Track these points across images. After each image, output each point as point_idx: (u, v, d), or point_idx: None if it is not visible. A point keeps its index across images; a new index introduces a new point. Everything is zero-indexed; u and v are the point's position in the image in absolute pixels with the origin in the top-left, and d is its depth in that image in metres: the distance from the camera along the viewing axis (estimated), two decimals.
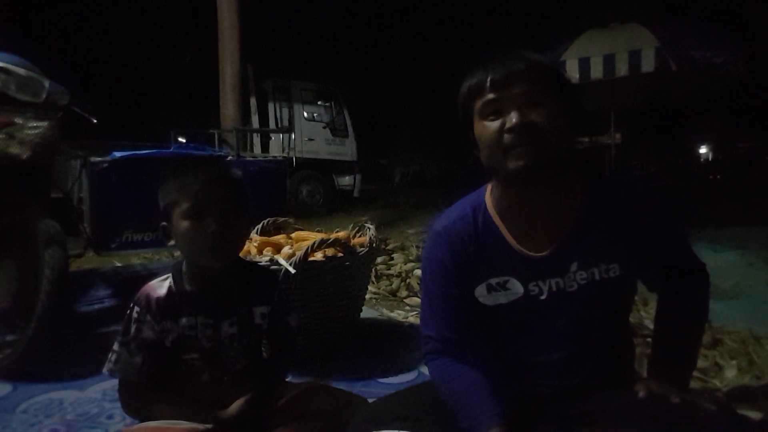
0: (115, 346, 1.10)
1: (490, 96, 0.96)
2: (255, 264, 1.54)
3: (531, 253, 1.04)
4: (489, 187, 1.10)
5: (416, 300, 2.89)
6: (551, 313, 1.04)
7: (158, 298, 1.10)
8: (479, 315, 1.08)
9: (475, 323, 1.09)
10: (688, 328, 1.09)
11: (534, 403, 1.06)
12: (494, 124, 0.96)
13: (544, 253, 1.03)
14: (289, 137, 7.89)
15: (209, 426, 1.04)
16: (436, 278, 1.10)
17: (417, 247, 3.85)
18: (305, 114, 9.01)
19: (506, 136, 0.94)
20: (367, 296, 2.59)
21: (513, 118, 0.93)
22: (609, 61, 4.93)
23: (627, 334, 1.16)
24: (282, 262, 1.88)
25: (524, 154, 0.93)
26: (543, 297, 1.03)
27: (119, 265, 4.00)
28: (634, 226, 1.02)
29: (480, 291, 1.07)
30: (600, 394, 1.00)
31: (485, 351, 1.09)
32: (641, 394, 0.95)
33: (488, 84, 0.96)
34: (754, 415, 1.42)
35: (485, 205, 1.08)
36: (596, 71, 4.99)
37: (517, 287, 1.04)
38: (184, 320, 1.10)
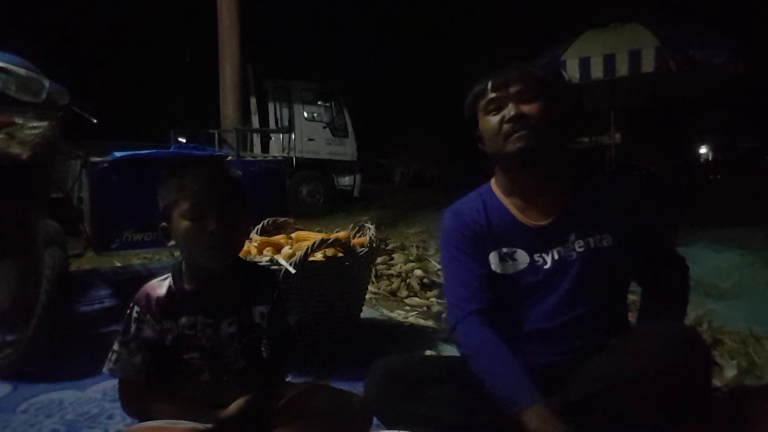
0: (115, 346, 1.10)
1: (492, 95, 1.18)
2: (254, 264, 1.54)
3: (534, 223, 1.20)
4: (493, 178, 1.28)
5: (416, 300, 2.89)
6: (555, 281, 1.17)
7: (158, 298, 1.10)
8: (494, 283, 1.20)
9: (494, 290, 1.20)
10: (667, 311, 1.18)
11: (541, 373, 1.13)
12: (496, 118, 1.18)
13: (545, 223, 1.19)
14: (289, 137, 7.91)
15: (209, 426, 1.04)
16: (458, 247, 1.24)
17: (417, 247, 3.85)
18: (305, 114, 9.01)
19: (505, 126, 1.15)
20: (367, 296, 2.59)
21: (511, 110, 1.15)
22: (609, 61, 4.92)
23: (624, 314, 1.27)
24: (282, 262, 1.88)
25: (521, 138, 1.13)
26: (547, 266, 1.18)
27: (119, 265, 4.00)
28: (621, 204, 1.18)
29: (492, 258, 1.21)
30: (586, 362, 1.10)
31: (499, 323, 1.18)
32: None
33: (490, 86, 1.19)
34: (754, 415, 1.41)
35: (491, 189, 1.28)
36: (596, 71, 4.98)
37: (523, 257, 1.19)
38: (183, 320, 1.10)
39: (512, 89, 1.16)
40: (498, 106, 1.17)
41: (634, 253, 1.19)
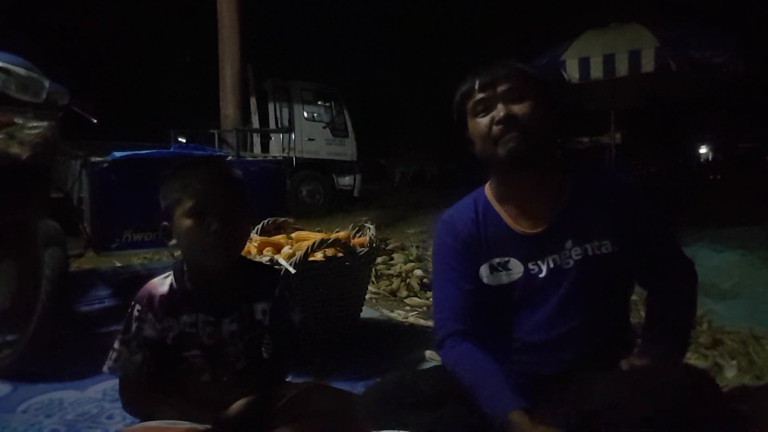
0: (116, 345, 1.10)
1: (479, 96, 1.12)
2: (255, 261, 1.54)
3: (528, 231, 1.14)
4: (488, 182, 1.23)
5: (416, 300, 2.89)
6: (550, 291, 1.11)
7: (160, 296, 1.10)
8: (485, 296, 1.15)
9: (483, 305, 1.15)
10: (674, 323, 1.14)
11: (536, 383, 1.09)
12: (484, 120, 1.11)
13: (540, 230, 1.14)
14: (289, 137, 7.91)
15: (209, 426, 1.04)
16: (448, 261, 1.19)
17: (417, 247, 3.85)
18: (305, 114, 9.01)
19: (495, 128, 1.09)
20: (367, 296, 2.59)
21: (500, 111, 1.08)
22: (609, 61, 4.91)
23: (626, 320, 1.21)
24: (282, 262, 1.88)
25: (511, 140, 1.08)
26: (542, 275, 1.12)
27: (119, 265, 4.00)
28: (621, 209, 1.12)
29: (483, 271, 1.16)
30: (590, 376, 1.04)
31: (491, 333, 1.14)
32: (624, 368, 1.03)
33: (477, 86, 1.12)
34: (754, 415, 1.41)
35: (484, 195, 1.22)
36: (596, 71, 4.98)
37: (517, 267, 1.14)
38: (185, 318, 1.10)
39: (500, 88, 1.09)
40: (486, 107, 1.11)
41: (637, 257, 1.13)
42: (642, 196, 1.16)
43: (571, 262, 1.11)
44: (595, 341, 1.10)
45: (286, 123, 8.67)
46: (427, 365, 1.94)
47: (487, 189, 1.22)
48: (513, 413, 0.98)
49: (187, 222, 1.04)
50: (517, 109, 1.08)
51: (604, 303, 1.12)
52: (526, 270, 1.13)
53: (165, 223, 1.09)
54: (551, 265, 1.12)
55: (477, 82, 1.12)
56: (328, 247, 1.97)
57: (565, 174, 1.16)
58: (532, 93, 1.10)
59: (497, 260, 1.15)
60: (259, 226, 2.30)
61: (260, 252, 2.07)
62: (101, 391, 1.75)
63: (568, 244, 1.11)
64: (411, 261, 3.39)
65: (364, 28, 18.65)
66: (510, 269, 1.14)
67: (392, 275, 3.22)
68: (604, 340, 1.11)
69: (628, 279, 1.19)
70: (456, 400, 1.07)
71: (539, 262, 1.12)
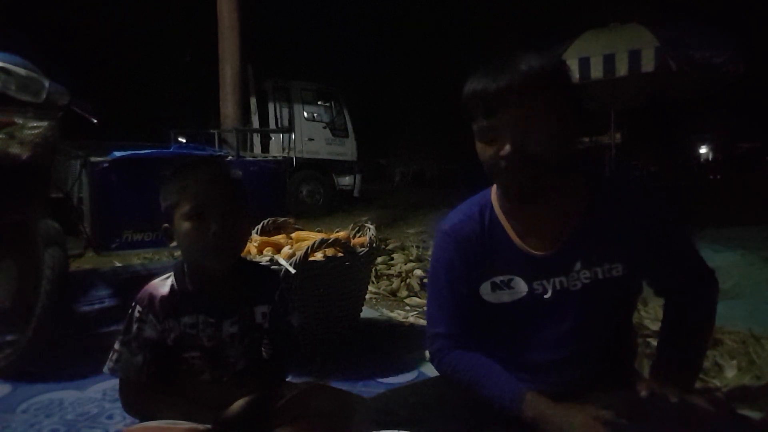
0: (117, 345, 1.10)
1: (483, 123, 0.95)
2: (257, 263, 1.54)
3: (536, 252, 1.05)
4: (494, 187, 1.11)
5: (416, 300, 2.89)
6: (555, 312, 1.05)
7: (161, 297, 1.10)
8: (485, 313, 1.10)
9: (481, 322, 1.11)
10: (694, 334, 1.09)
11: None
12: (490, 148, 0.96)
13: (548, 252, 1.04)
14: (289, 137, 7.92)
15: (209, 426, 1.04)
16: (445, 277, 1.12)
17: (417, 247, 3.85)
18: (305, 114, 9.02)
19: (502, 162, 0.94)
20: (367, 296, 2.59)
21: (507, 147, 0.92)
22: (609, 61, 4.92)
23: (630, 334, 1.16)
24: (282, 262, 1.88)
25: (520, 176, 0.94)
26: (547, 296, 1.05)
27: (119, 265, 4.00)
28: (640, 227, 1.03)
29: (484, 289, 1.09)
30: (601, 394, 1.00)
31: (490, 350, 1.10)
32: (643, 393, 0.96)
33: (481, 111, 0.95)
34: (754, 415, 1.42)
35: (491, 205, 1.10)
36: (596, 71, 4.98)
37: (521, 286, 1.06)
38: (185, 319, 1.10)
39: (510, 112, 0.91)
40: (491, 136, 0.94)
41: (654, 268, 1.07)
42: (664, 209, 1.07)
43: (579, 285, 1.03)
44: (601, 360, 1.06)
45: (286, 123, 8.68)
46: (427, 365, 1.94)
47: (494, 197, 1.11)
48: (531, 393, 0.97)
49: (188, 224, 1.04)
50: (531, 133, 0.91)
51: (612, 323, 1.07)
52: (531, 290, 1.06)
53: (166, 224, 1.09)
54: (557, 287, 1.04)
55: (480, 106, 0.94)
56: (328, 247, 1.97)
57: (582, 188, 1.04)
58: (552, 104, 0.92)
59: (500, 278, 1.07)
60: (259, 226, 2.30)
61: (260, 252, 2.07)
62: (101, 391, 1.75)
63: (577, 266, 1.03)
64: (411, 261, 3.39)
65: (364, 28, 18.66)
66: (513, 288, 1.07)
67: (392, 275, 3.22)
68: (611, 357, 1.07)
69: (637, 296, 1.13)
70: (454, 407, 1.04)
71: (544, 282, 1.05)
